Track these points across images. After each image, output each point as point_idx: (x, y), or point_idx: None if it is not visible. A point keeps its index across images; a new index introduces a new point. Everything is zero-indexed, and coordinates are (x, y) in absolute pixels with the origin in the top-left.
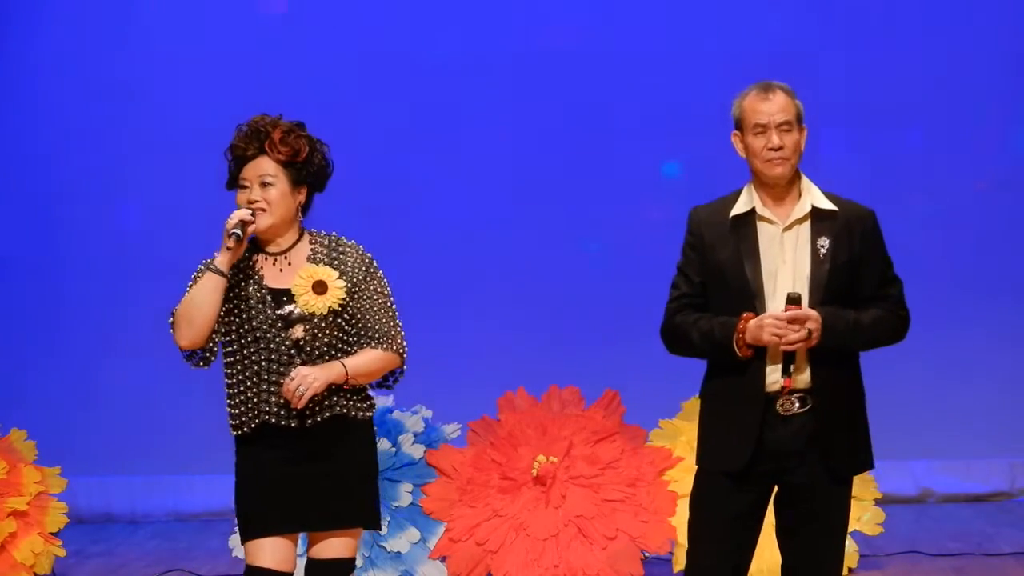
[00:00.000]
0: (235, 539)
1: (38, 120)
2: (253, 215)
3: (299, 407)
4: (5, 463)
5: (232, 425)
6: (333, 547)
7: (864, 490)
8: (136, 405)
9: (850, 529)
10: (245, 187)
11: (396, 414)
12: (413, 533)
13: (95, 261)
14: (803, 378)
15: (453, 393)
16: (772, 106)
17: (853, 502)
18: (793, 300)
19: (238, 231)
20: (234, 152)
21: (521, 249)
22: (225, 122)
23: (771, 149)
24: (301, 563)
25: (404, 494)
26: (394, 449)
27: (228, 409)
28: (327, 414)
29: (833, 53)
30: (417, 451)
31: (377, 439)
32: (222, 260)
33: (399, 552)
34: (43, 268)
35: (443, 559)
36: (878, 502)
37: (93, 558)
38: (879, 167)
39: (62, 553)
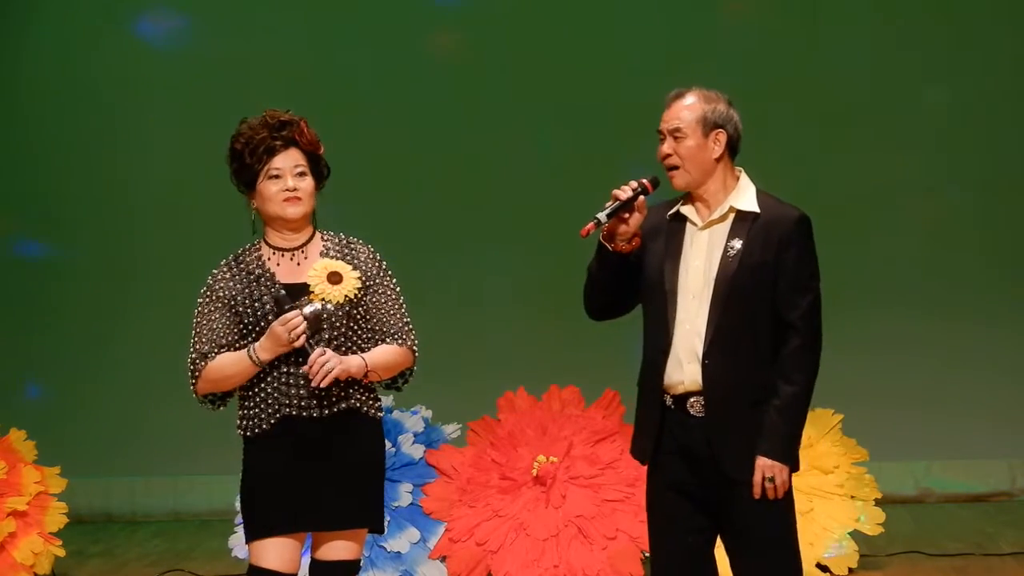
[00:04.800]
0: (235, 539)
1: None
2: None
3: (321, 384)
4: (5, 463)
5: (247, 425)
6: (338, 549)
7: (864, 490)
8: (136, 405)
9: (849, 529)
10: (277, 177)
11: (396, 414)
12: (413, 533)
13: (96, 261)
14: (693, 379)
15: (453, 393)
16: (668, 113)
17: (853, 502)
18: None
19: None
20: (259, 144)
21: (521, 249)
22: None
23: (660, 158)
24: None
25: (404, 494)
26: (394, 449)
27: (242, 411)
28: (343, 405)
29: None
30: (417, 451)
31: None
32: (266, 356)
33: (399, 552)
34: (43, 269)
35: (443, 559)
36: (878, 502)
37: (93, 558)
38: (878, 164)
39: (62, 553)
